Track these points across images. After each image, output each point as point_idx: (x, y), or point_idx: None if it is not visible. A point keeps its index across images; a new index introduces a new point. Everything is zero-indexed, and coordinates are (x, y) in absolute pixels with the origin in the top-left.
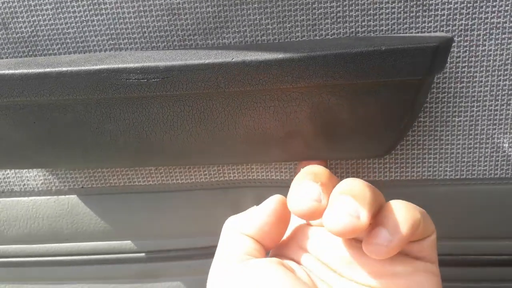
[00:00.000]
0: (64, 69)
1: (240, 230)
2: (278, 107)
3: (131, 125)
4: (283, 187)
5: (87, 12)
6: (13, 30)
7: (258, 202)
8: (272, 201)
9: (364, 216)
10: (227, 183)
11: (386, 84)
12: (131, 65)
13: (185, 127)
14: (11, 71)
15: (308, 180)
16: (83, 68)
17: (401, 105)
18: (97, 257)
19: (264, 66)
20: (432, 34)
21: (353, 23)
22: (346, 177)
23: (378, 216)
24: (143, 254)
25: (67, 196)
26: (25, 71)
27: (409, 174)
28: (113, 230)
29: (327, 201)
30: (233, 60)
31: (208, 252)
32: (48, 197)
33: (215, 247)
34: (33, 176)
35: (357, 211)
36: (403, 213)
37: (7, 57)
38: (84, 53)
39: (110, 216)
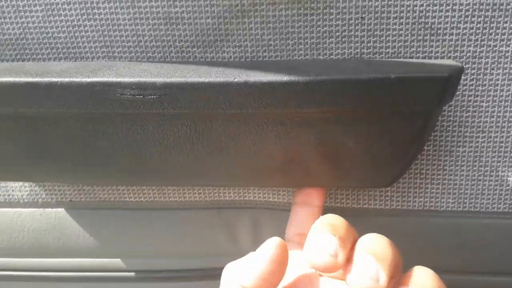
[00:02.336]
0: (55, 79)
1: (240, 281)
2: (281, 131)
3: (125, 143)
4: (280, 210)
5: (80, 17)
6: (0, 31)
7: (253, 224)
8: (271, 246)
9: (383, 281)
10: (222, 203)
11: (394, 113)
12: (126, 79)
13: (182, 148)
14: None
15: (326, 233)
16: (74, 80)
17: (409, 135)
18: (84, 274)
19: (267, 88)
20: (443, 61)
21: (359, 44)
22: (346, 204)
23: (404, 277)
24: (132, 274)
25: (54, 209)
26: (12, 79)
27: (411, 204)
28: (102, 247)
29: (344, 256)
30: (235, 80)
31: (201, 275)
32: (34, 209)
33: (208, 269)
34: (19, 187)
35: (377, 274)
36: (431, 281)
37: None
38: (75, 60)
39: (99, 232)
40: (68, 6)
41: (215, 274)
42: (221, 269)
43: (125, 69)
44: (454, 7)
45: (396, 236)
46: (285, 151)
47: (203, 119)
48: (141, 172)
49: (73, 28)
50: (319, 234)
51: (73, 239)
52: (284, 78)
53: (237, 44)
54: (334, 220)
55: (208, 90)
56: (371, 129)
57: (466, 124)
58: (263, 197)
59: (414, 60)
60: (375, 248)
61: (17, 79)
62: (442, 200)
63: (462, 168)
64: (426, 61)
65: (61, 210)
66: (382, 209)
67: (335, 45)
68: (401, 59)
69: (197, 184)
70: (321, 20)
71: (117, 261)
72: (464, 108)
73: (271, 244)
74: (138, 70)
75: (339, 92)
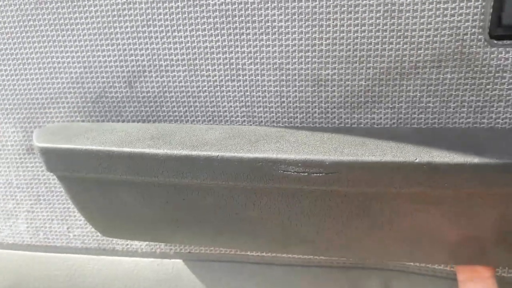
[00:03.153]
0: (214, 154)
1: None
2: (459, 210)
3: (276, 214)
4: (412, 273)
5: (223, 77)
6: (139, 89)
7: (384, 287)
8: None
9: None
10: (348, 263)
11: None
12: (292, 156)
13: (337, 222)
14: (153, 151)
15: None
16: (236, 155)
17: None
18: None
19: (454, 169)
20: None
21: None
22: (502, 273)
23: None
24: None
25: (172, 260)
26: (168, 152)
27: None
28: None
29: None
30: (417, 160)
31: None
32: (152, 259)
33: None
34: None
35: None
36: None
37: (128, 116)
38: (213, 118)
39: (217, 284)
40: (212, 67)
41: None
42: None
43: (286, 142)
44: None
45: None
46: (458, 229)
47: (367, 196)
48: (286, 241)
49: (214, 88)
50: None
51: None
52: (475, 159)
53: (390, 106)
54: None
55: (383, 170)
56: None
57: None
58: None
59: None
60: None
61: (174, 152)
62: None
63: None
64: None
65: (179, 261)
66: None
67: (504, 109)
68: None
69: (347, 256)
70: (491, 83)
71: None
72: None
73: None
74: (300, 144)
75: None
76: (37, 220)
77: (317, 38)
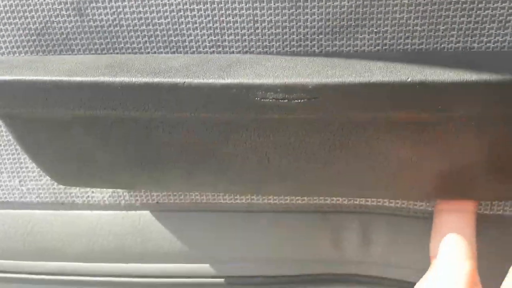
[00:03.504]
0: (180, 80)
1: None
2: (450, 136)
3: (253, 150)
4: (393, 215)
5: (186, 0)
6: (90, 17)
7: (363, 230)
8: None
9: None
10: (327, 207)
11: None
12: (271, 81)
13: (320, 155)
14: (108, 79)
15: None
16: (205, 81)
17: None
18: (169, 281)
19: (451, 89)
20: None
21: None
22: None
23: None
24: (222, 280)
25: (138, 211)
26: (126, 79)
27: None
28: (191, 252)
29: None
30: (409, 80)
31: (298, 280)
32: (116, 212)
33: (307, 275)
34: (99, 188)
35: None
36: None
37: (79, 49)
38: (177, 49)
39: (188, 235)
40: None
41: (315, 280)
42: (322, 275)
43: (261, 66)
44: None
45: None
46: (449, 159)
47: (354, 123)
48: (265, 180)
49: (177, 13)
50: None
51: (159, 243)
52: (473, 77)
53: (375, 30)
54: None
55: (373, 91)
56: None
57: None
58: (376, 202)
59: None
60: None
61: (134, 79)
62: None
63: None
64: None
65: (146, 212)
66: None
67: (496, 31)
68: None
69: (330, 194)
70: (483, 2)
71: (206, 267)
72: None
73: None
74: (279, 68)
75: None
76: None
77: None
